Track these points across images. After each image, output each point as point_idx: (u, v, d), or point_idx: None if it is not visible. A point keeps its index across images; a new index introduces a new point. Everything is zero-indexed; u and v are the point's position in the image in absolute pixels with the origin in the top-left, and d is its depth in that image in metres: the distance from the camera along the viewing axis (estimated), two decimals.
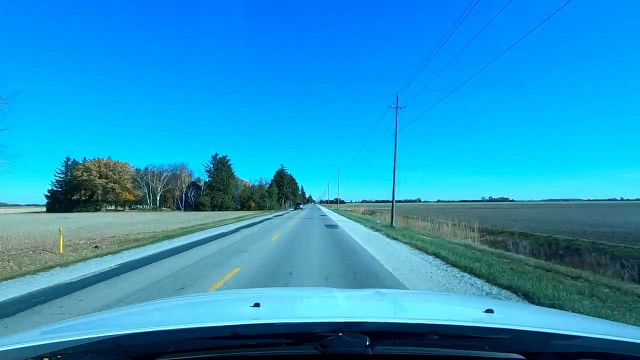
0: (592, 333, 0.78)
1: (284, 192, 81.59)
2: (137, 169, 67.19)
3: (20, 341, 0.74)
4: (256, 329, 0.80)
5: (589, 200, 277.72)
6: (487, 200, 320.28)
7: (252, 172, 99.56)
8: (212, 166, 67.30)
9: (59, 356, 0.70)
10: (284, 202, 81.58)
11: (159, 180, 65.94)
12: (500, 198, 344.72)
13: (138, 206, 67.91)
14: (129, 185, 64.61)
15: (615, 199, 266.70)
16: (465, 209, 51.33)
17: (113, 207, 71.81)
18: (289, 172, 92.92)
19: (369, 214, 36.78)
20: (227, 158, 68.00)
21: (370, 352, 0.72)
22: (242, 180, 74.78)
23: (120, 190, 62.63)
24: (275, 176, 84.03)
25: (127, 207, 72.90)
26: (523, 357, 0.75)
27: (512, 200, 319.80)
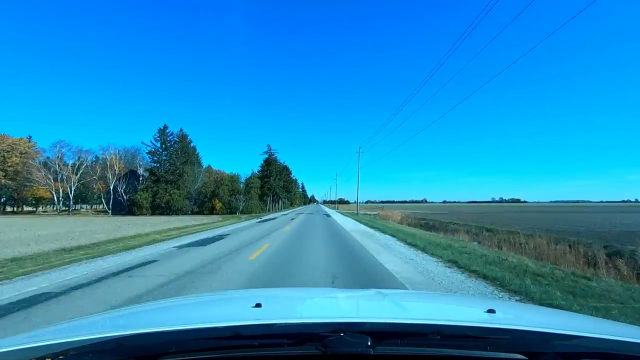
0: (594, 333, 0.88)
1: (270, 186, 59.80)
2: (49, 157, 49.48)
3: (22, 342, 0.83)
4: (257, 329, 0.90)
5: (601, 202, 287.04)
6: (498, 202, 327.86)
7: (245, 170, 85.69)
8: (158, 144, 47.65)
9: (61, 357, 0.79)
10: (273, 202, 62.13)
11: (72, 167, 49.14)
12: (511, 199, 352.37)
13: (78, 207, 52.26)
14: (35, 174, 46.40)
15: (629, 201, 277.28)
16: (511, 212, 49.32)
17: (11, 209, 56.07)
18: (281, 161, 70.12)
19: (422, 227, 22.19)
20: (184, 133, 49.83)
21: (372, 353, 0.81)
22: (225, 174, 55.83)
23: (4, 181, 45.00)
24: (262, 166, 62.65)
25: (41, 208, 56.69)
26: (525, 357, 0.83)
27: (525, 202, 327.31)
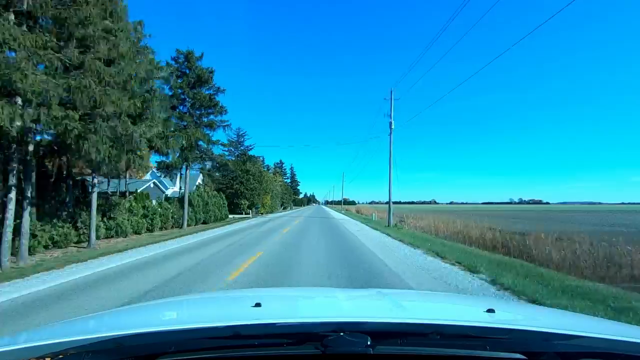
0: (594, 333, 0.94)
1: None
2: None
3: (21, 341, 0.89)
4: (257, 329, 0.96)
5: (622, 203, 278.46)
6: (517, 203, 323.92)
7: None
8: None
9: (60, 356, 0.84)
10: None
11: None
12: (530, 200, 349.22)
13: None
14: None
15: None
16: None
17: None
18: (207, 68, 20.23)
19: None
20: None
21: (372, 352, 0.86)
22: None
23: None
24: None
25: None
26: (524, 357, 0.87)
27: (547, 203, 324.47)
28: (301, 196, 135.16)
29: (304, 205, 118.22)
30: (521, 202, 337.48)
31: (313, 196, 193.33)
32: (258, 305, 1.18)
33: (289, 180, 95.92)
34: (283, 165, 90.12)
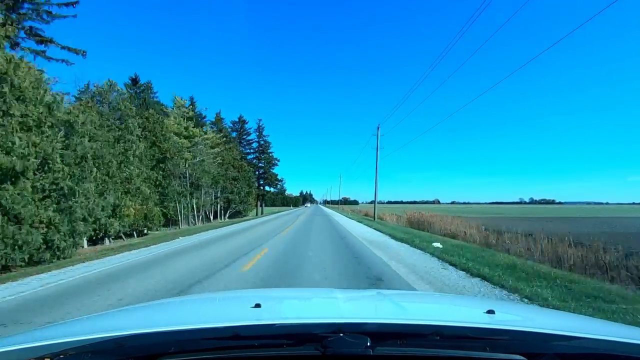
0: (594, 334, 0.96)
1: None
2: None
3: (21, 341, 0.91)
4: (257, 330, 0.99)
5: (633, 204, 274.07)
6: (527, 203, 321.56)
7: None
8: None
9: (60, 356, 0.87)
10: None
11: None
12: (542, 200, 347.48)
13: None
14: None
15: None
16: None
17: None
18: None
19: None
20: None
21: (372, 353, 0.88)
22: None
23: None
24: None
25: None
26: (524, 358, 0.90)
27: (560, 203, 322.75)
28: (294, 194, 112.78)
29: (298, 206, 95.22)
30: (532, 201, 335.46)
31: (310, 194, 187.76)
32: (258, 305, 1.21)
33: (253, 156, 53.22)
34: (244, 126, 50.17)
